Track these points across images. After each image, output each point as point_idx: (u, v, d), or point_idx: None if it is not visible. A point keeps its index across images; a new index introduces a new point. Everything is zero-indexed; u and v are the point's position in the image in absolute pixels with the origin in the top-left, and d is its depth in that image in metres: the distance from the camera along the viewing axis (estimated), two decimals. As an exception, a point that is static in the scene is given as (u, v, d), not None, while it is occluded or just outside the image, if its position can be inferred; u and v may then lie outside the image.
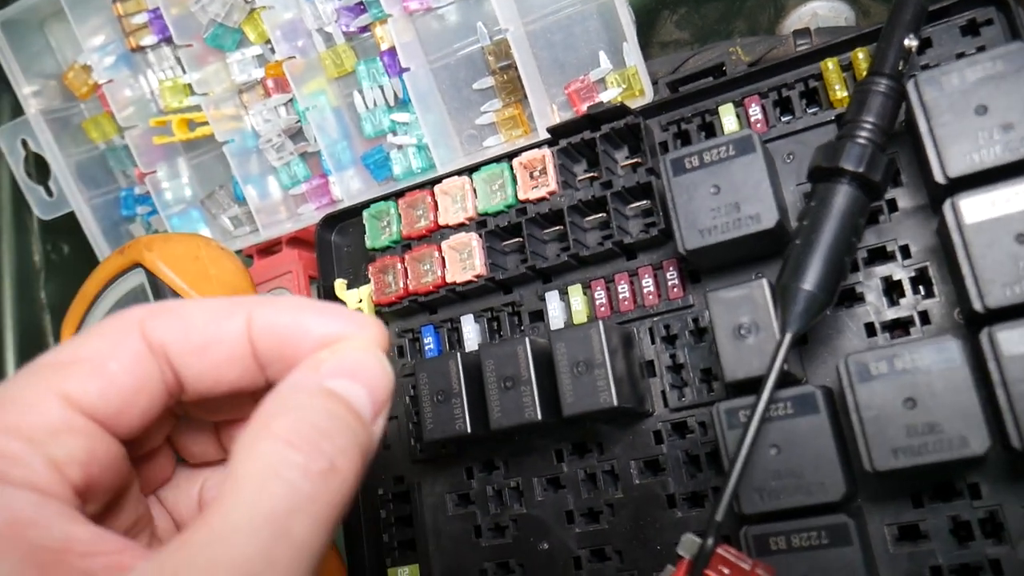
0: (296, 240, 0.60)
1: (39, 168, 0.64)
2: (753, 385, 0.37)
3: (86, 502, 0.27)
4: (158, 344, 0.28)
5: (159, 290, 0.49)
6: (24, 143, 0.62)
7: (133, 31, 0.59)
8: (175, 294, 0.49)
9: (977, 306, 0.35)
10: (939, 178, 0.37)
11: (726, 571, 0.34)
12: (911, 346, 0.35)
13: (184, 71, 0.60)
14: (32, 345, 0.63)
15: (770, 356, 0.36)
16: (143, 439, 0.31)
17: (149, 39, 0.60)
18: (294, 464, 0.24)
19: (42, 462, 0.25)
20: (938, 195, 0.37)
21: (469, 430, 0.44)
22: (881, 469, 0.35)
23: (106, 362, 0.27)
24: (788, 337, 0.36)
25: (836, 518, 0.36)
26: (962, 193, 0.36)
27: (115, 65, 0.60)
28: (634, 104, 0.49)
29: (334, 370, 0.28)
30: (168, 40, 0.60)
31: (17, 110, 0.66)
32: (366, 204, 0.53)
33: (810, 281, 0.36)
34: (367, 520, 0.51)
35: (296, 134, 0.59)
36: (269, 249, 0.61)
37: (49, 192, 0.63)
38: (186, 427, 0.33)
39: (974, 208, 0.35)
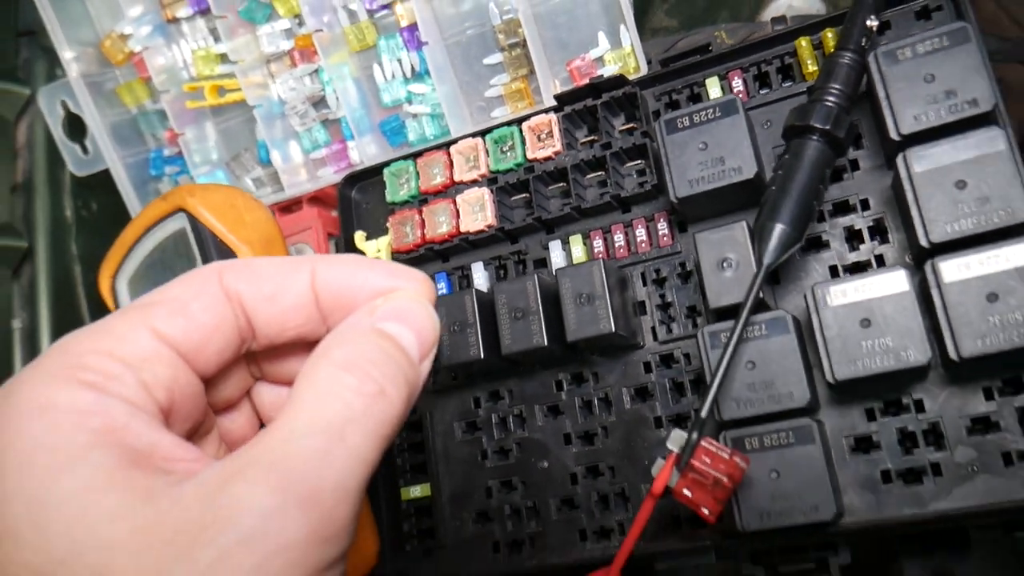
0: (315, 200, 0.66)
1: (73, 129, 0.68)
2: (733, 311, 0.44)
3: (168, 424, 0.30)
4: (234, 292, 0.32)
5: (200, 233, 0.55)
6: (64, 104, 0.67)
7: (170, 3, 0.65)
8: (215, 237, 0.54)
9: (923, 242, 0.42)
10: (893, 135, 0.43)
11: (708, 460, 0.40)
12: (867, 276, 0.42)
13: (216, 42, 0.65)
14: (64, 292, 0.68)
15: (748, 286, 0.42)
16: (223, 386, 0.35)
17: (184, 11, 0.65)
18: (348, 385, 0.29)
19: (134, 381, 0.29)
20: (892, 151, 0.44)
21: (482, 356, 0.49)
22: (841, 378, 0.42)
23: (189, 303, 0.31)
24: (764, 267, 0.42)
25: (801, 421, 0.42)
26: (912, 148, 0.42)
27: (151, 35, 0.65)
28: (631, 78, 0.55)
29: (386, 314, 0.33)
30: (202, 12, 0.65)
31: (52, 75, 0.71)
32: (386, 163, 0.58)
33: (783, 219, 0.42)
34: (382, 447, 0.57)
35: (319, 102, 0.65)
36: (290, 208, 0.66)
37: (85, 150, 0.68)
38: (264, 391, 0.37)
39: (922, 160, 0.42)
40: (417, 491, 0.56)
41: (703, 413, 0.41)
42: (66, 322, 0.68)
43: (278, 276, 0.33)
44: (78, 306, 0.69)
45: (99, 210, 0.72)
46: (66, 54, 0.65)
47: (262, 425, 0.38)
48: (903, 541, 0.49)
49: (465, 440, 0.55)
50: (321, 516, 0.26)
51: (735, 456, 0.40)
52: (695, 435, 0.40)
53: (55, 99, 0.67)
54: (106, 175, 0.69)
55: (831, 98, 0.44)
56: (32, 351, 0.65)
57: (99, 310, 0.70)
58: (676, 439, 0.41)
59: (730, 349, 0.41)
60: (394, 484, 0.56)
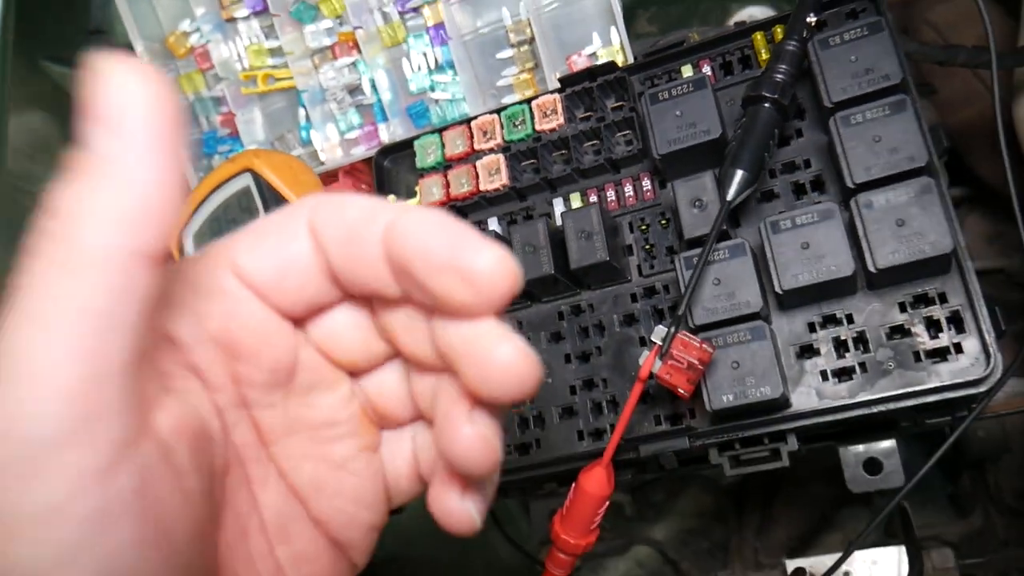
0: (349, 173, 0.77)
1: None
2: (702, 241, 0.55)
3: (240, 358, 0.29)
4: (319, 225, 0.28)
5: (263, 189, 0.66)
6: (134, 89, 0.78)
7: (229, 4, 0.76)
8: (276, 192, 0.65)
9: (849, 183, 0.54)
10: (826, 103, 0.55)
11: (683, 348, 0.52)
12: (806, 209, 0.54)
13: (266, 38, 0.77)
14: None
15: (714, 219, 0.54)
16: (336, 341, 0.31)
17: (241, 11, 0.76)
18: None
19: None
20: (826, 116, 0.56)
21: (500, 283, 0.60)
22: (786, 288, 0.53)
23: (268, 235, 0.29)
24: (727, 203, 0.54)
25: (756, 323, 0.54)
26: (840, 112, 0.55)
27: (212, 31, 0.77)
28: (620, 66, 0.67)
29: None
30: (256, 13, 0.77)
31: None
32: (415, 137, 0.70)
33: (742, 165, 0.54)
34: (410, 371, 0.68)
35: (354, 90, 0.76)
36: (327, 180, 0.77)
37: (150, 130, 0.79)
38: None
39: (847, 121, 0.54)
40: (440, 407, 0.66)
41: (680, 312, 0.52)
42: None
43: (358, 218, 0.28)
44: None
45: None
46: (138, 47, 0.77)
47: None
48: (841, 437, 0.61)
49: (481, 364, 0.66)
50: None
51: (704, 344, 0.52)
52: (673, 328, 0.52)
53: (126, 85, 0.78)
54: (163, 154, 0.80)
55: (779, 75, 0.56)
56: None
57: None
58: (659, 333, 0.52)
59: (701, 263, 0.53)
60: (421, 402, 0.67)
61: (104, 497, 0.21)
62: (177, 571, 0.23)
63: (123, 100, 0.21)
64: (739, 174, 0.54)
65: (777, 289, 0.54)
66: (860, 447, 0.60)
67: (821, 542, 0.86)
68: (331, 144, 0.77)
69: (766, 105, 0.56)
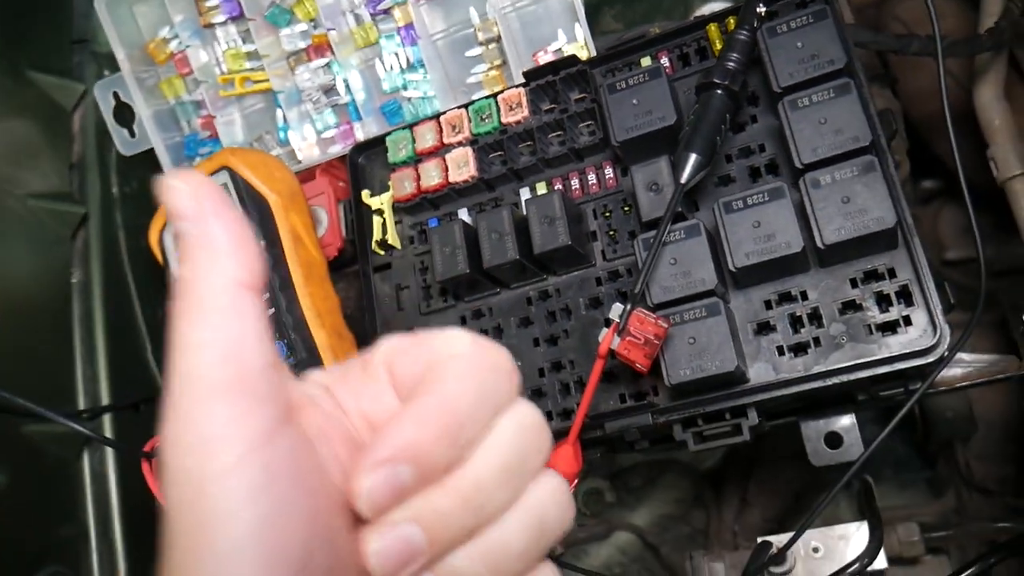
0: (326, 171, 0.79)
1: (119, 117, 0.82)
2: (659, 222, 0.57)
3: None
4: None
5: (239, 186, 0.68)
6: (115, 95, 0.80)
7: (206, 12, 0.79)
8: (252, 188, 0.67)
9: (797, 163, 0.56)
10: (775, 87, 0.58)
11: (640, 324, 0.54)
12: (757, 189, 0.56)
13: (244, 43, 0.79)
14: (111, 255, 0.81)
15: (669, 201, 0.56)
16: None
17: (219, 17, 0.79)
18: None
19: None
20: (775, 100, 0.58)
21: (468, 270, 0.63)
22: (739, 266, 0.55)
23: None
24: (680, 186, 0.56)
25: (710, 300, 0.56)
26: (788, 96, 0.57)
27: (191, 37, 0.79)
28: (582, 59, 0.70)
29: None
30: (233, 19, 0.79)
31: (101, 75, 0.85)
32: (387, 133, 0.72)
33: (694, 149, 0.56)
34: (386, 360, 0.69)
35: (329, 90, 0.79)
36: (305, 178, 0.80)
37: (132, 134, 0.81)
38: None
39: (796, 104, 0.56)
40: (415, 393, 0.68)
41: (636, 290, 0.54)
42: (112, 279, 0.80)
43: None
44: (122, 267, 0.82)
45: (139, 187, 0.85)
46: (119, 53, 0.79)
47: None
48: (802, 412, 0.63)
49: (454, 350, 0.68)
50: None
51: (659, 320, 0.54)
52: (630, 306, 0.54)
53: (108, 91, 0.81)
54: (145, 158, 0.82)
55: (730, 62, 0.58)
56: (87, 303, 0.78)
57: (140, 268, 0.83)
58: (616, 310, 0.54)
59: (657, 243, 0.55)
60: (396, 389, 0.69)
61: (265, 460, 0.28)
62: (318, 529, 0.29)
63: (191, 199, 0.30)
64: (692, 157, 0.56)
65: (731, 267, 0.56)
66: (820, 422, 0.62)
67: (798, 523, 0.88)
68: (308, 143, 0.79)
69: (718, 92, 0.58)
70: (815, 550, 0.71)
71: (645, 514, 0.93)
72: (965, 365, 0.68)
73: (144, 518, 0.70)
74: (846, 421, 0.62)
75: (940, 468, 0.97)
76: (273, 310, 0.65)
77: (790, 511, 0.90)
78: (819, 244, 0.54)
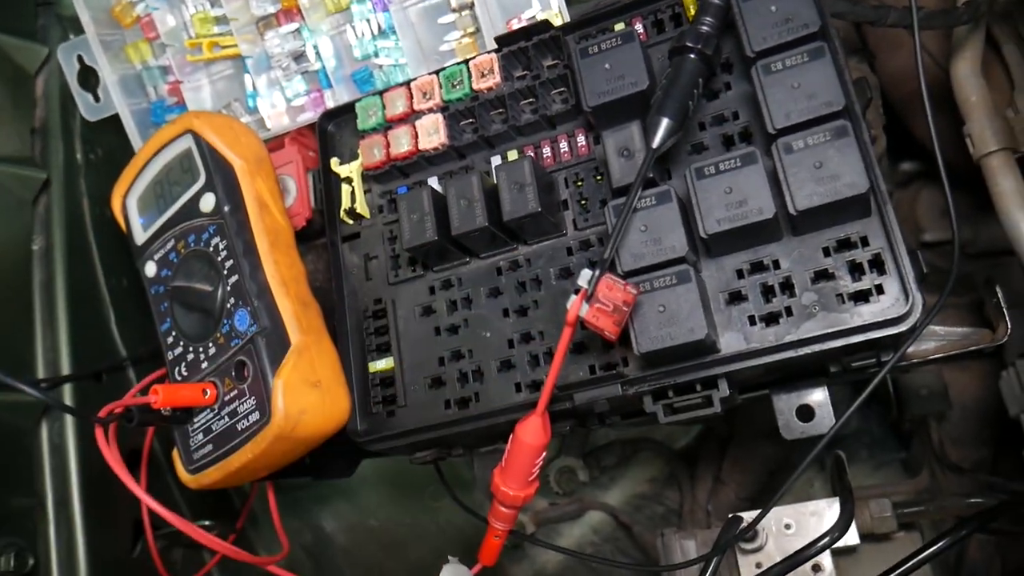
0: (295, 139, 0.77)
1: (84, 81, 0.80)
2: (630, 188, 0.56)
3: None
4: None
5: (203, 150, 0.66)
6: (80, 58, 0.78)
7: (173, -26, 0.77)
8: (216, 153, 0.66)
9: (770, 128, 0.55)
10: (749, 52, 0.57)
11: (608, 291, 0.52)
12: (729, 155, 0.55)
13: (212, 6, 0.77)
14: (75, 222, 0.79)
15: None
16: None
17: (186, -20, 0.77)
18: None
19: None
20: (749, 65, 0.57)
21: (436, 238, 0.61)
22: (711, 232, 0.54)
23: None
24: (652, 151, 0.55)
25: (680, 266, 0.55)
26: (762, 60, 0.56)
27: (157, 0, 0.77)
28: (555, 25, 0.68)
29: None
30: (201, -18, 0.77)
31: (66, 39, 0.83)
32: (358, 100, 0.70)
33: (666, 113, 0.55)
34: (352, 330, 0.68)
35: (299, 56, 0.77)
36: (274, 147, 0.78)
37: (96, 99, 0.79)
38: None
39: (768, 68, 0.55)
40: (381, 364, 0.67)
41: (605, 255, 0.53)
42: (76, 247, 0.78)
43: None
44: (86, 234, 0.80)
45: (104, 154, 0.83)
46: (83, 16, 0.77)
47: None
48: (774, 385, 0.62)
49: (422, 321, 0.67)
50: None
51: (628, 286, 0.53)
52: (598, 271, 0.52)
53: (72, 54, 0.79)
54: (110, 124, 0.80)
55: (703, 26, 0.57)
56: (48, 269, 0.76)
57: (105, 237, 0.81)
58: (584, 276, 0.53)
59: (627, 209, 0.54)
60: (363, 359, 0.67)
61: None
62: None
63: None
64: (664, 122, 0.55)
65: (702, 233, 0.55)
66: (793, 395, 0.61)
67: (768, 501, 0.87)
68: (277, 111, 0.78)
69: (691, 56, 0.57)
70: (787, 526, 0.70)
71: (618, 493, 0.92)
72: (939, 338, 0.67)
73: (104, 490, 0.69)
74: (818, 394, 0.62)
75: (915, 448, 0.97)
76: (236, 277, 0.63)
77: (764, 489, 0.89)
78: (791, 210, 0.53)
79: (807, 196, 0.53)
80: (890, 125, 0.95)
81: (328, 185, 0.72)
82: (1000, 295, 0.68)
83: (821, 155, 0.53)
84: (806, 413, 0.62)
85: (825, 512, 0.70)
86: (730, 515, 0.65)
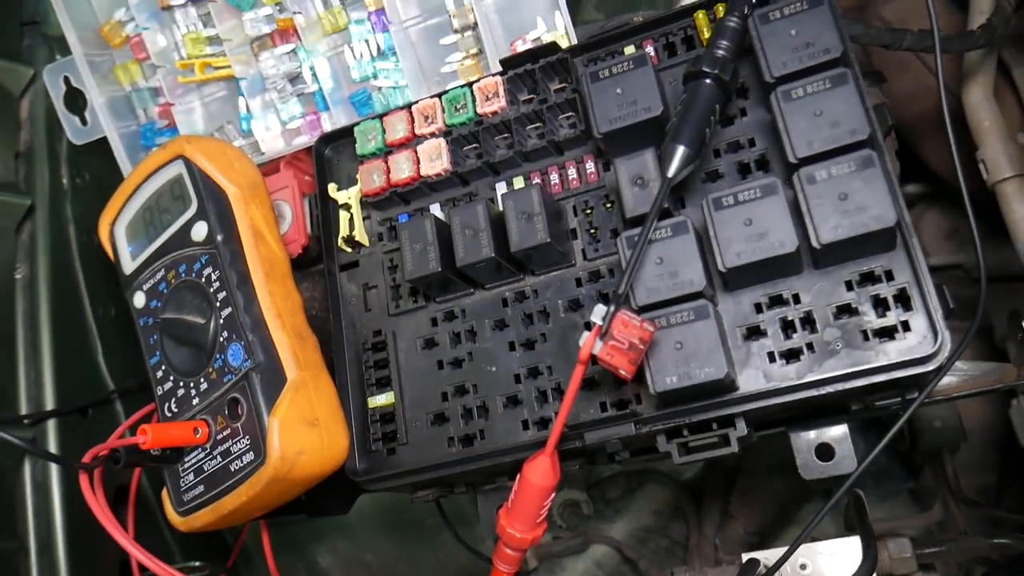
0: (291, 163, 0.75)
1: (71, 104, 0.77)
2: (645, 219, 0.54)
3: None
4: None
5: (195, 176, 0.63)
6: (66, 79, 0.75)
7: (165, -8, 0.74)
8: (209, 179, 0.63)
9: (791, 158, 0.52)
10: (768, 78, 0.54)
11: (623, 328, 0.50)
12: (748, 185, 0.53)
13: (204, 27, 0.75)
14: (60, 250, 0.76)
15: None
16: None
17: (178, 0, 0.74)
18: None
19: None
20: (768, 91, 0.55)
21: (440, 268, 0.59)
22: (730, 266, 0.52)
23: None
24: (667, 180, 0.53)
25: (699, 302, 0.52)
26: (782, 87, 0.53)
27: (148, 19, 0.75)
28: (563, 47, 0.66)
29: None
30: (193, 0, 0.75)
31: (52, 59, 0.80)
32: (356, 124, 0.68)
33: (682, 141, 0.53)
34: (351, 363, 0.65)
35: (295, 78, 0.74)
36: (268, 172, 0.75)
37: (84, 122, 0.76)
38: None
39: (789, 95, 0.53)
40: (381, 400, 0.64)
41: (620, 291, 0.50)
42: (61, 275, 0.75)
43: None
44: (72, 263, 0.77)
45: (91, 179, 0.80)
46: (70, 36, 0.74)
47: None
48: (792, 423, 0.59)
49: (424, 354, 0.64)
50: None
51: (644, 323, 0.50)
52: (613, 307, 0.50)
53: (58, 75, 0.76)
54: (98, 148, 0.77)
55: (719, 50, 0.55)
56: (32, 299, 0.73)
57: (92, 266, 0.78)
58: (598, 312, 0.50)
59: (642, 241, 0.51)
60: (362, 394, 0.65)
61: None
62: None
63: None
64: (680, 150, 0.53)
65: (720, 267, 0.52)
66: (811, 433, 0.58)
67: (780, 536, 0.85)
68: (272, 134, 0.75)
69: (706, 80, 0.54)
70: (802, 567, 0.67)
71: (623, 526, 0.89)
72: (959, 373, 0.65)
73: (90, 531, 0.65)
74: (838, 431, 0.59)
75: (924, 479, 0.95)
76: (229, 309, 0.60)
77: (774, 523, 0.87)
78: (814, 243, 0.51)
79: (832, 229, 0.50)
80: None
81: (325, 212, 0.69)
82: (1024, 328, 0.66)
83: (846, 186, 0.50)
84: (825, 452, 0.59)
85: (841, 552, 0.67)
86: (746, 557, 0.62)
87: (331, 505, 0.74)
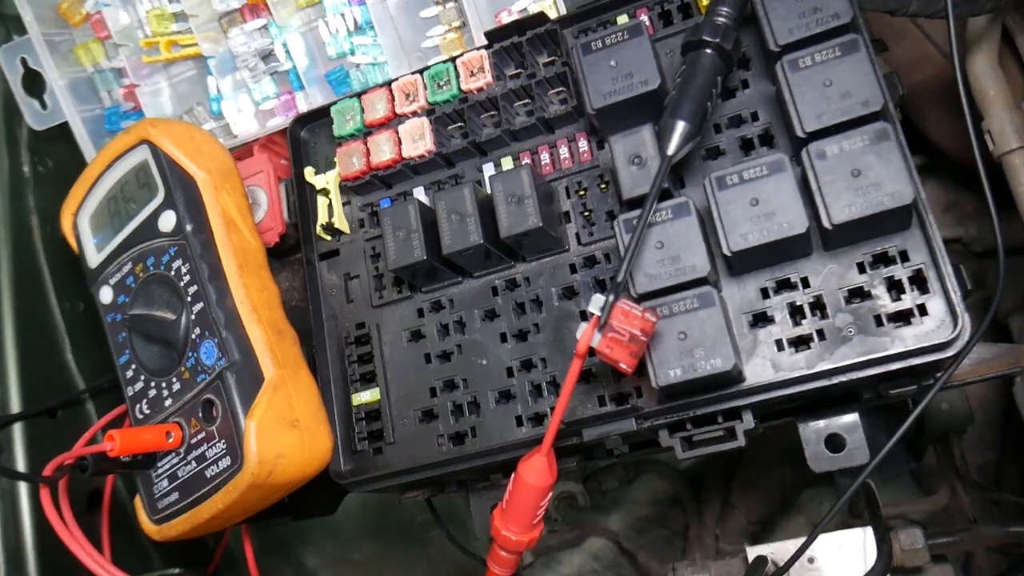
0: (265, 146, 0.71)
1: (30, 87, 0.72)
2: (643, 201, 0.50)
3: None
4: None
5: (161, 162, 0.59)
6: (23, 61, 0.71)
7: (126, -34, 0.70)
8: (176, 165, 0.59)
9: (799, 132, 0.49)
10: (772, 46, 0.51)
11: (623, 318, 0.46)
12: (754, 162, 0.49)
13: (168, 2, 0.70)
14: (23, 242, 0.72)
15: (655, 176, 0.49)
16: None
17: (140, -27, 0.70)
18: None
19: None
20: (772, 61, 0.51)
21: (425, 256, 0.55)
22: (735, 249, 0.48)
23: None
24: (667, 158, 0.49)
25: (703, 288, 0.49)
26: (787, 55, 0.50)
27: (109, -5, 0.70)
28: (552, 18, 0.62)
29: None
30: (157, -25, 0.70)
31: (8, 39, 0.75)
32: (333, 103, 0.64)
33: (682, 116, 0.49)
34: (333, 358, 0.62)
35: (268, 55, 0.70)
36: (242, 155, 0.71)
37: (43, 105, 0.72)
38: None
39: (796, 65, 0.49)
40: (366, 396, 0.60)
41: (619, 279, 0.47)
42: (24, 268, 0.71)
43: None
44: (35, 255, 0.73)
45: (54, 166, 0.76)
46: (26, 14, 0.70)
47: None
48: (799, 412, 0.56)
49: (410, 347, 0.60)
50: None
51: (646, 312, 0.47)
52: (612, 297, 0.46)
53: (15, 57, 0.71)
54: (60, 133, 0.73)
55: (720, 17, 0.51)
56: (-8, 296, 0.69)
57: (57, 257, 0.74)
58: (596, 302, 0.47)
59: (642, 225, 0.48)
60: (345, 391, 0.61)
61: None
62: None
63: None
64: (680, 125, 0.49)
65: (725, 251, 0.49)
66: (821, 423, 0.55)
67: (783, 525, 0.82)
68: (245, 116, 0.71)
69: (707, 50, 0.51)
70: (810, 560, 0.64)
71: (620, 518, 0.87)
72: (971, 356, 0.61)
73: (63, 552, 0.62)
74: (848, 420, 0.56)
75: (928, 461, 0.92)
76: (201, 304, 0.56)
77: (776, 513, 0.84)
78: (826, 223, 0.47)
79: (844, 208, 0.47)
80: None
81: (302, 198, 0.65)
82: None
83: (859, 161, 0.47)
84: (836, 443, 0.56)
85: (851, 543, 0.65)
86: (753, 555, 0.60)
87: (316, 506, 0.70)
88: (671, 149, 0.49)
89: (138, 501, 0.59)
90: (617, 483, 0.87)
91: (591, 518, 0.88)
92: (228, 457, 0.54)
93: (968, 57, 0.80)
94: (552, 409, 0.56)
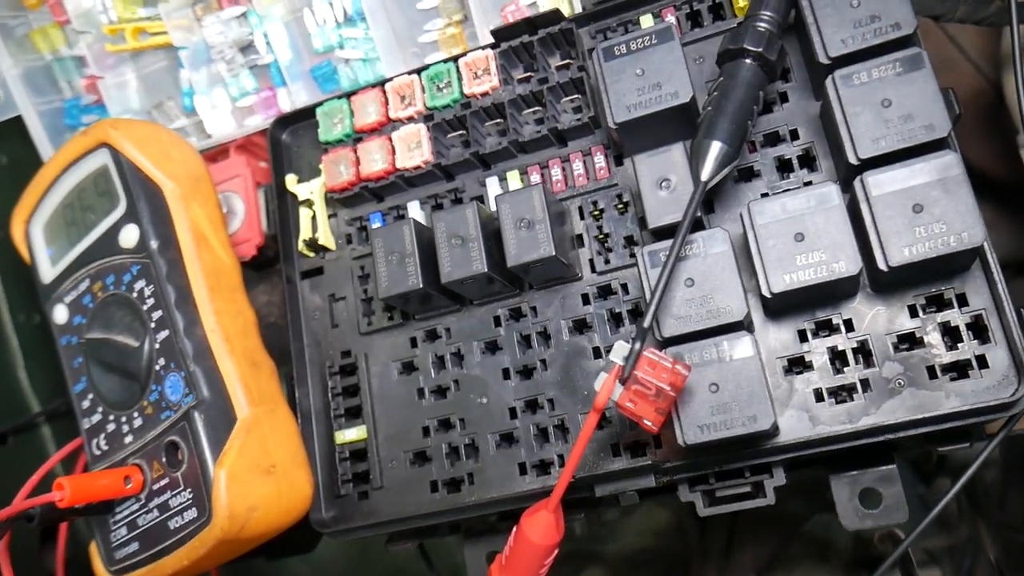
0: (243, 148, 0.64)
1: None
2: (671, 231, 0.44)
3: None
4: None
5: (123, 168, 0.52)
6: (-28, 46, 0.64)
7: (88, -57, 0.62)
8: (140, 172, 0.52)
9: (852, 159, 0.43)
10: (822, 58, 0.45)
11: (650, 369, 0.40)
12: (800, 191, 0.43)
13: (137, -16, 0.63)
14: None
15: (686, 204, 0.43)
16: None
17: (104, -48, 0.63)
18: None
19: None
20: (821, 75, 0.45)
21: (420, 285, 0.49)
22: (776, 291, 0.43)
23: None
24: (702, 184, 0.43)
25: (739, 335, 0.43)
26: (840, 69, 0.44)
27: (69, -25, 0.63)
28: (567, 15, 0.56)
29: None
30: (123, -46, 0.63)
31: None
32: (318, 104, 0.57)
33: (719, 136, 0.43)
34: (315, 390, 0.56)
35: (247, 47, 0.63)
36: (216, 157, 0.64)
37: (-5, 96, 0.65)
38: None
39: (850, 81, 0.44)
40: (352, 434, 0.54)
41: (646, 324, 0.41)
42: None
43: None
44: (-13, 262, 0.66)
45: (9, 164, 0.68)
46: (-26, -6, 0.62)
47: None
48: (831, 463, 0.51)
49: (402, 380, 0.54)
50: None
51: (677, 365, 0.41)
52: (638, 345, 0.40)
53: (-38, 42, 0.64)
54: (13, 128, 0.66)
55: (763, 23, 0.45)
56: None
57: (10, 265, 0.67)
58: (619, 351, 0.41)
59: (671, 261, 0.42)
60: (328, 427, 0.55)
61: None
62: None
63: None
64: (717, 147, 0.43)
65: (765, 292, 0.43)
66: (855, 476, 0.50)
67: (791, 561, 0.77)
68: (220, 113, 0.64)
69: (748, 61, 0.45)
70: (832, 614, 0.59)
71: (620, 548, 0.81)
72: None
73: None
74: (885, 471, 0.50)
75: (940, 487, 0.88)
76: (167, 332, 0.50)
77: (784, 545, 0.79)
78: (881, 265, 0.41)
79: (904, 248, 0.41)
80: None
81: (283, 209, 0.58)
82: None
83: (922, 196, 0.41)
84: (872, 498, 0.51)
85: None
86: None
87: (294, 543, 0.64)
88: (706, 174, 0.43)
89: (93, 548, 0.53)
90: (616, 511, 0.82)
91: (588, 547, 0.82)
92: (194, 508, 0.47)
93: (1004, 71, 0.74)
94: (559, 456, 0.50)
